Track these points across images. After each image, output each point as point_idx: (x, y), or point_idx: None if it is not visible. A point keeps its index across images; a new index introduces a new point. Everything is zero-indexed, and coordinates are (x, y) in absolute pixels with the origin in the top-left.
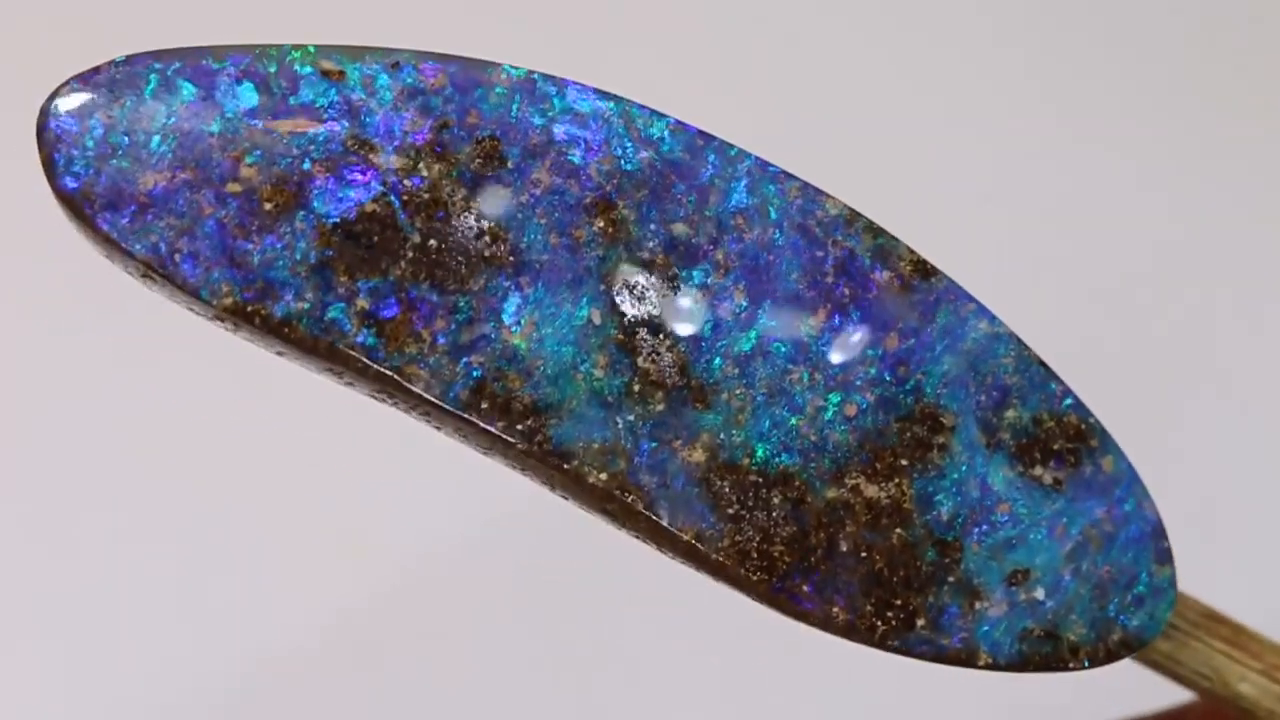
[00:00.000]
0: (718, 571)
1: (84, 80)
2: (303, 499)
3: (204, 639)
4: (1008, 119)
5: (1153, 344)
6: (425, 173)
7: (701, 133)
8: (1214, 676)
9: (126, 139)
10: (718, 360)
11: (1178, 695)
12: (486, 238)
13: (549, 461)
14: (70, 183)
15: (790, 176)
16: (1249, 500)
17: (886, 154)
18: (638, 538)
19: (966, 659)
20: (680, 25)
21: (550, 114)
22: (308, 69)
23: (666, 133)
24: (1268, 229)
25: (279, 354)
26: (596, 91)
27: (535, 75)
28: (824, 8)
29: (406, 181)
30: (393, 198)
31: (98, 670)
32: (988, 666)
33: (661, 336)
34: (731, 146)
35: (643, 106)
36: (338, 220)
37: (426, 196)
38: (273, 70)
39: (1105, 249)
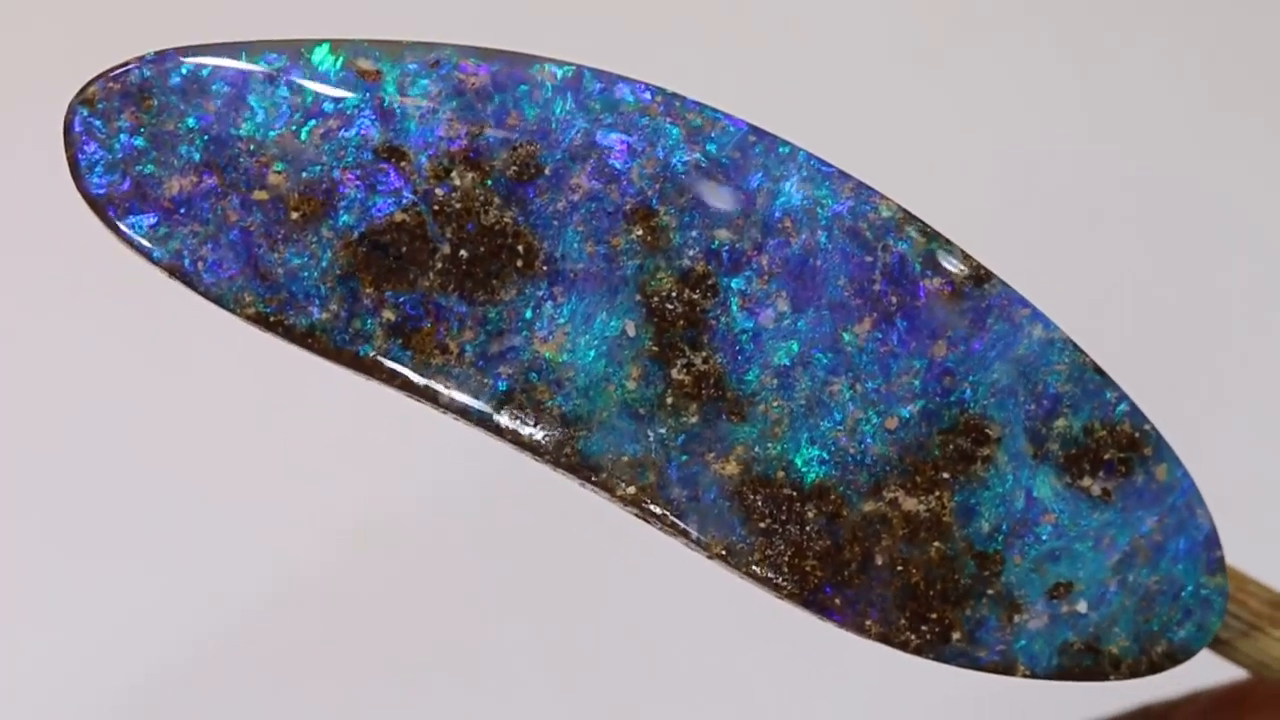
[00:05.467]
0: (749, 579)
1: (112, 78)
2: (266, 461)
3: (161, 604)
4: (1024, 114)
5: (1169, 340)
6: (458, 181)
7: (754, 129)
8: (1276, 666)
9: (153, 141)
10: (755, 371)
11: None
12: (520, 247)
13: (578, 473)
14: (95, 185)
15: (845, 175)
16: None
17: (900, 148)
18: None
19: (1004, 670)
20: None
21: (595, 113)
22: (344, 69)
23: (716, 130)
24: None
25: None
26: (648, 87)
27: (585, 71)
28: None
29: (438, 190)
30: (423, 207)
31: (57, 644)
32: (1026, 676)
33: (697, 348)
34: (784, 143)
35: (695, 102)
36: (365, 230)
37: (458, 206)
38: (308, 70)
39: (1115, 246)
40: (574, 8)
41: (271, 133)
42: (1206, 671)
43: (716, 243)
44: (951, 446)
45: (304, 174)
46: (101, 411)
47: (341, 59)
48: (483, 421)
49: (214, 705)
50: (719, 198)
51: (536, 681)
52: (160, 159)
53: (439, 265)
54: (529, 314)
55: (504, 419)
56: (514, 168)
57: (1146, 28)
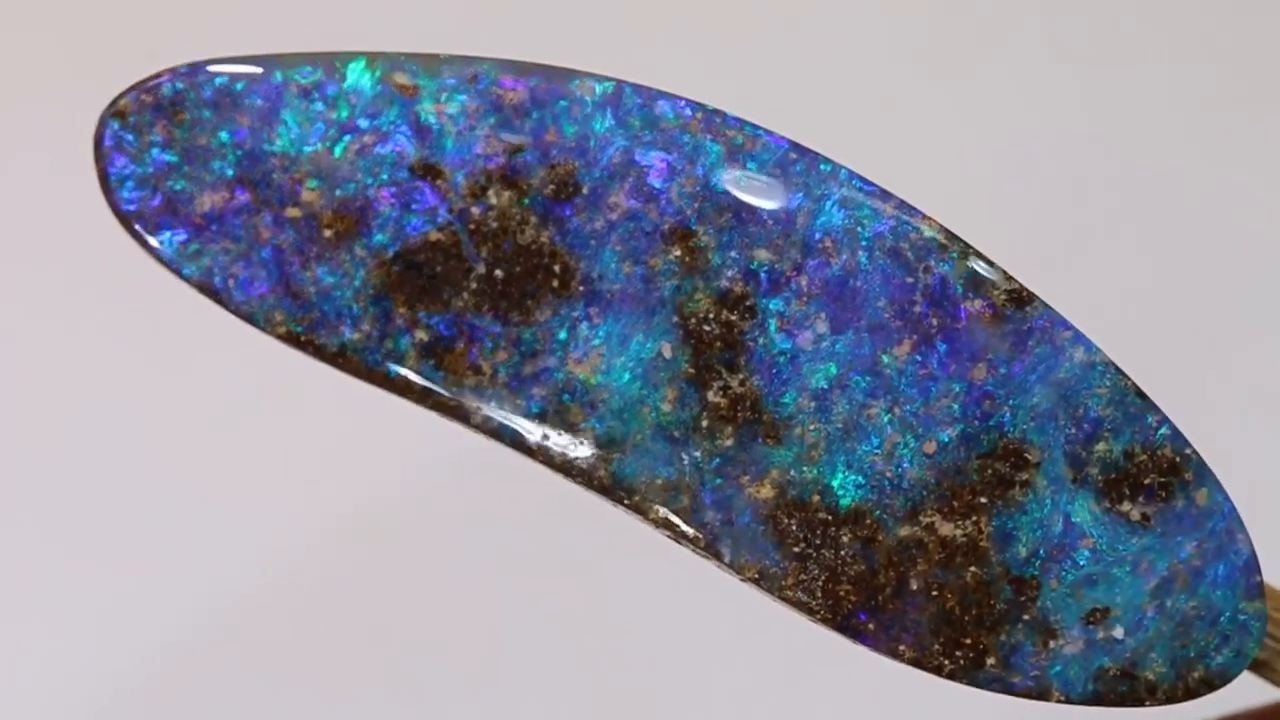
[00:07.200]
0: (782, 603)
1: (144, 91)
2: (256, 455)
3: (149, 600)
4: (1026, 116)
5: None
6: (494, 200)
7: (795, 146)
8: None
9: (185, 156)
10: (792, 394)
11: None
12: (556, 267)
13: (611, 495)
14: (125, 200)
15: (887, 195)
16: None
17: (900, 147)
18: None
19: (1038, 696)
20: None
21: (634, 130)
22: (380, 83)
23: (757, 148)
24: None
25: None
26: (689, 103)
27: (625, 87)
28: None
29: (474, 209)
30: (458, 226)
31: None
32: (1060, 702)
33: (734, 370)
34: (826, 161)
35: (736, 118)
36: (400, 249)
37: (495, 225)
38: (344, 84)
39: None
40: (591, 21)
41: (305, 148)
42: (1244, 692)
43: (755, 263)
44: (990, 471)
45: (338, 191)
46: (90, 407)
47: (378, 73)
48: (515, 443)
49: (202, 702)
50: (758, 216)
51: (532, 680)
52: (192, 174)
53: (474, 285)
54: (564, 335)
55: (537, 440)
56: (551, 186)
57: (1147, 28)
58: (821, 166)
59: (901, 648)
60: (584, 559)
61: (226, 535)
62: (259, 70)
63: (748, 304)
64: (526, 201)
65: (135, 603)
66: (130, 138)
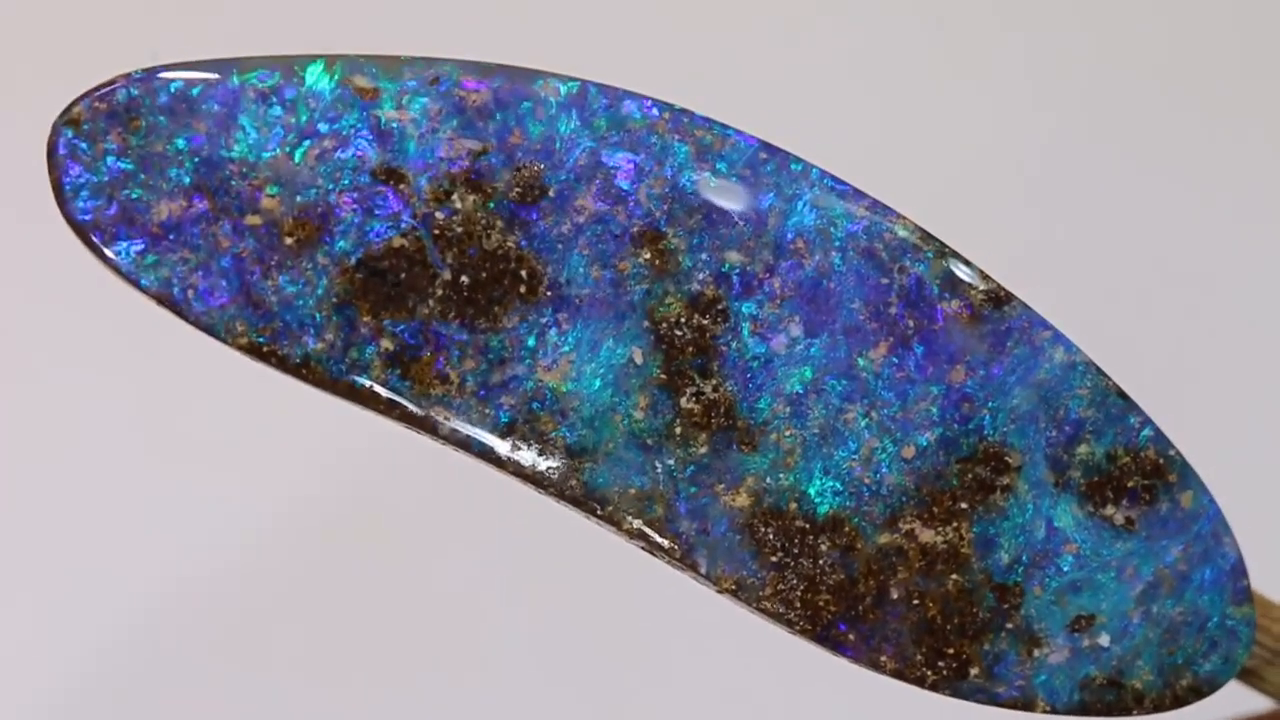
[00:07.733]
0: (760, 615)
1: (98, 98)
2: (228, 436)
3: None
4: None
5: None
6: (459, 204)
7: (765, 145)
8: None
9: (141, 164)
10: (767, 399)
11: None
12: (523, 272)
13: (583, 506)
14: (79, 210)
15: (860, 194)
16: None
17: (895, 145)
18: None
19: (1023, 706)
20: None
21: (600, 132)
22: (340, 86)
23: (727, 147)
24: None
25: None
26: (655, 102)
27: (590, 86)
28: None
29: (439, 213)
30: (422, 231)
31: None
32: (1046, 712)
33: (707, 376)
34: (796, 160)
35: (704, 118)
36: (363, 256)
37: (460, 230)
38: (302, 87)
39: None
40: (567, 18)
41: (264, 154)
42: (1231, 701)
43: (727, 265)
44: (970, 475)
45: (298, 197)
46: (69, 396)
47: (337, 76)
48: (484, 454)
49: (201, 701)
50: (728, 217)
51: (532, 678)
52: (148, 182)
53: (439, 292)
54: (532, 342)
55: (506, 451)
56: (517, 189)
57: (1142, 21)
58: (792, 166)
59: (883, 659)
60: (584, 557)
61: (217, 528)
62: (215, 75)
63: (720, 307)
64: (492, 205)
65: (128, 599)
66: (84, 146)
